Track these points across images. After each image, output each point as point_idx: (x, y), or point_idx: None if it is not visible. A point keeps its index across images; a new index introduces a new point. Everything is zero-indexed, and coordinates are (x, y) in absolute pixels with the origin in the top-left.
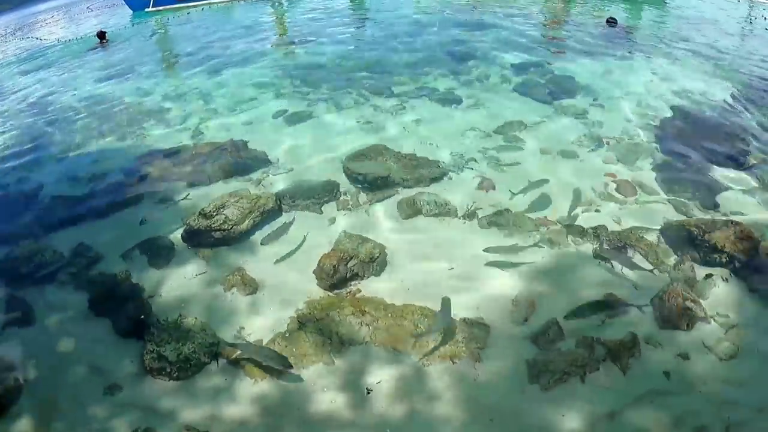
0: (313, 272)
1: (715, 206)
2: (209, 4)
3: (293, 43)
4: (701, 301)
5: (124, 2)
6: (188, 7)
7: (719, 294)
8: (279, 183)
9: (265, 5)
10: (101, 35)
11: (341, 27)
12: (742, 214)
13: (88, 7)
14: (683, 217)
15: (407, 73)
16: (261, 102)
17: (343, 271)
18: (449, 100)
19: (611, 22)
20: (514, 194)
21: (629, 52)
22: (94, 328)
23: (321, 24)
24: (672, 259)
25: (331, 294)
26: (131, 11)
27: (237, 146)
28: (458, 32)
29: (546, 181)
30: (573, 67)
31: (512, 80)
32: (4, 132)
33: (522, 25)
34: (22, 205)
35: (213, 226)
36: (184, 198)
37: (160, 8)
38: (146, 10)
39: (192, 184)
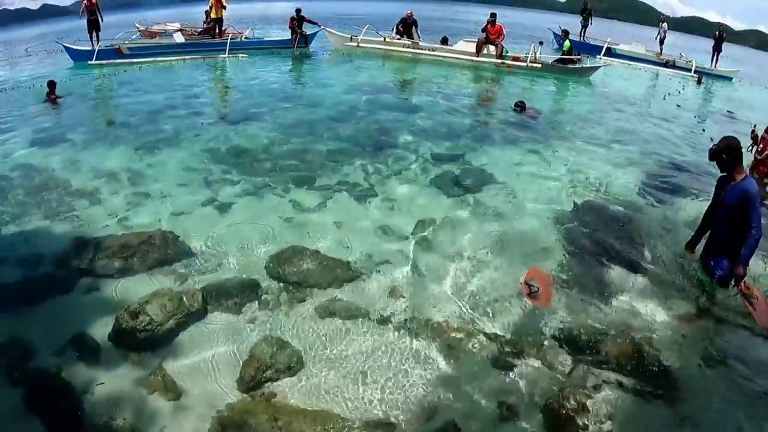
0: (235, 380)
1: (610, 311)
2: (153, 61)
3: (228, 121)
4: (590, 407)
5: (65, 51)
6: (131, 63)
7: (608, 399)
8: (204, 280)
9: (207, 69)
10: (52, 86)
11: (274, 103)
12: (634, 318)
13: (26, 50)
14: (579, 323)
15: (329, 163)
16: (190, 188)
17: (260, 377)
18: (367, 195)
19: (519, 106)
20: (419, 299)
21: (544, 141)
22: (27, 427)
23: (254, 99)
24: (566, 366)
25: (247, 398)
26: (72, 61)
27: (165, 238)
28: (385, 117)
29: (454, 284)
30: (489, 158)
31: (430, 173)
32: None
33: (447, 108)
34: None
35: (138, 326)
36: (112, 292)
37: (103, 62)
38: (89, 62)
39: (119, 277)
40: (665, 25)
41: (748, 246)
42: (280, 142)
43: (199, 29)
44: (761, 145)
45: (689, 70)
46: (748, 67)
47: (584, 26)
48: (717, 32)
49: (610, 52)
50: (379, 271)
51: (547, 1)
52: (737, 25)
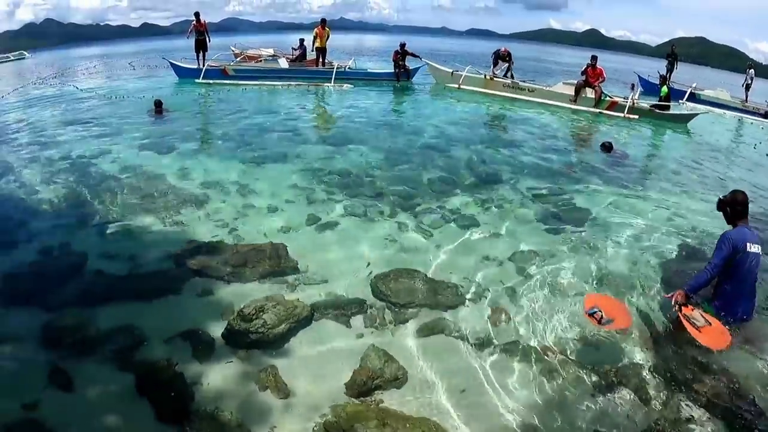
0: (344, 384)
1: (709, 351)
2: (258, 84)
3: (332, 143)
4: None
5: (171, 68)
6: (237, 84)
7: None
8: (312, 292)
9: (311, 95)
10: (158, 105)
11: (376, 130)
12: (734, 361)
13: (130, 63)
14: (676, 358)
15: (431, 191)
16: (296, 205)
17: (371, 384)
18: (468, 224)
19: (606, 147)
20: (519, 325)
21: (638, 183)
22: (135, 408)
23: (357, 125)
24: (660, 399)
25: (357, 402)
26: (178, 78)
27: (276, 250)
28: (483, 150)
29: (551, 313)
30: (584, 197)
31: (528, 206)
32: (48, 184)
33: (544, 147)
34: (67, 275)
35: (251, 328)
36: (224, 295)
37: (210, 81)
38: (195, 80)
39: (231, 282)
40: (752, 71)
41: (697, 278)
42: (382, 167)
43: (290, 56)
44: None
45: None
46: None
47: (669, 71)
48: None
49: (694, 98)
50: (480, 297)
51: (637, 45)
52: None
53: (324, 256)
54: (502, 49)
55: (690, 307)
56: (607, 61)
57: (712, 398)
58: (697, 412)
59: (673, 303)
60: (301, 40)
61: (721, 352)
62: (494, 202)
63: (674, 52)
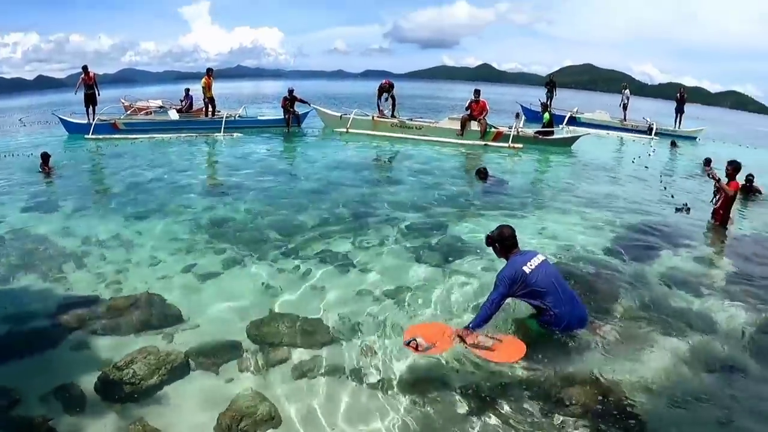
0: (213, 428)
1: (579, 363)
2: (149, 137)
3: (216, 193)
4: None
5: (61, 124)
6: (127, 138)
7: None
8: (187, 340)
9: (200, 146)
10: (45, 158)
11: (263, 178)
12: (602, 367)
13: (20, 120)
14: (547, 373)
15: (311, 234)
16: (176, 257)
17: (236, 427)
18: (346, 264)
19: (481, 173)
20: (391, 358)
21: (519, 209)
22: None
23: (244, 174)
24: (536, 415)
25: None
26: (67, 133)
27: (151, 301)
28: (366, 190)
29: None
30: (463, 228)
31: (406, 243)
32: None
33: (427, 182)
34: None
35: (124, 380)
36: (99, 349)
37: (99, 136)
38: (85, 136)
39: (107, 335)
40: (627, 91)
41: (478, 316)
42: (264, 214)
43: (178, 106)
44: (718, 195)
45: (650, 132)
46: (722, 126)
47: (549, 98)
48: (678, 94)
49: (574, 121)
50: (354, 334)
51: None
52: (715, 87)
53: (201, 304)
54: (384, 81)
55: (475, 334)
56: (499, 93)
57: (583, 406)
58: (569, 421)
59: (455, 338)
60: (187, 90)
61: (584, 360)
62: (372, 241)
63: (552, 81)
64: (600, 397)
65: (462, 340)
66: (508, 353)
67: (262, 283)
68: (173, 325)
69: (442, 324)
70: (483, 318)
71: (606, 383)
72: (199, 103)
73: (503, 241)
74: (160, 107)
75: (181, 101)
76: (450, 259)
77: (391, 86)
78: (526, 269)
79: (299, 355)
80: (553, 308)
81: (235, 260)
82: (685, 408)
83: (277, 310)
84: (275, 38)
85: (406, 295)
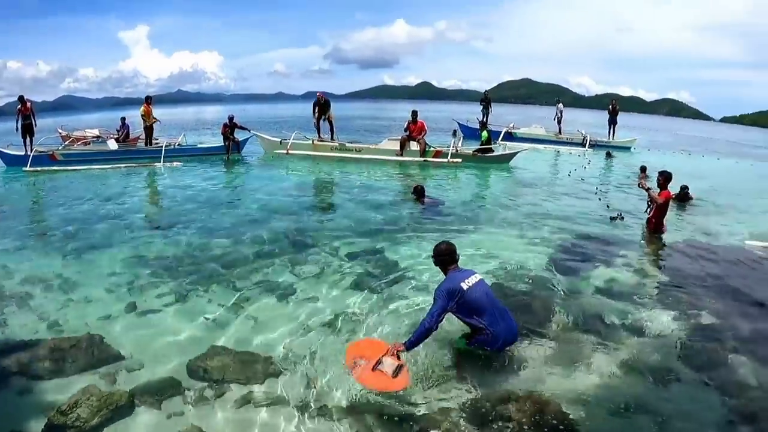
0: None
1: (515, 379)
2: (87, 169)
3: (156, 226)
4: None
5: None
6: (66, 170)
7: None
8: (130, 379)
9: (141, 176)
10: None
11: (202, 209)
12: (539, 383)
13: None
14: (485, 392)
15: (251, 265)
16: (117, 293)
17: None
18: (286, 294)
19: (416, 192)
20: (333, 387)
21: (457, 228)
22: None
23: (183, 205)
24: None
25: None
26: (5, 166)
27: (93, 341)
28: (306, 217)
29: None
30: (401, 250)
31: (346, 269)
32: None
33: (366, 205)
34: None
35: (68, 423)
36: (43, 393)
37: (38, 169)
38: (23, 169)
39: (50, 378)
40: (560, 105)
41: (417, 332)
42: (204, 246)
43: (115, 135)
44: (651, 205)
45: (584, 145)
46: (657, 134)
47: (485, 115)
48: (610, 106)
49: (511, 137)
50: (295, 364)
51: (468, 93)
52: (651, 96)
53: (143, 341)
54: (318, 94)
55: (399, 349)
56: (439, 110)
57: (520, 422)
58: None
59: (392, 354)
60: (123, 119)
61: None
62: (312, 269)
63: (487, 97)
64: (537, 412)
65: (397, 356)
66: (393, 383)
67: (204, 317)
68: (116, 364)
69: (378, 341)
70: (422, 333)
71: (543, 398)
72: (136, 131)
73: (439, 256)
74: (97, 137)
75: (118, 130)
76: (388, 283)
77: (327, 103)
78: (464, 285)
79: (241, 388)
80: (489, 327)
81: (176, 295)
82: (622, 417)
83: (218, 343)
84: (215, 62)
85: (346, 322)
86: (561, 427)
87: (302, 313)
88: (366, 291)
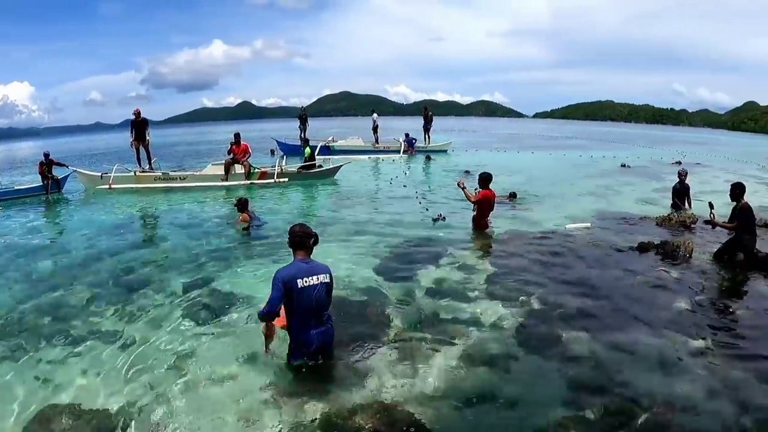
0: None
1: (359, 389)
2: None
3: None
4: None
5: None
6: None
7: None
8: None
9: None
10: None
11: (21, 259)
12: (386, 391)
13: None
14: (332, 405)
15: (82, 314)
16: None
17: None
18: (117, 340)
19: (241, 202)
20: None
21: (284, 246)
22: None
23: (1, 255)
24: None
25: None
26: None
27: None
28: (131, 254)
29: (204, 412)
30: (229, 277)
31: (178, 305)
32: None
33: (194, 234)
34: None
35: None
36: None
37: None
38: None
39: None
40: (375, 115)
41: (259, 312)
42: (27, 300)
43: None
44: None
45: (402, 152)
46: (474, 135)
47: (303, 130)
48: (423, 113)
49: (328, 150)
50: (135, 413)
51: (288, 110)
52: (466, 99)
53: None
54: (135, 110)
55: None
56: (260, 129)
57: (371, 430)
58: None
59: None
60: None
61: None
62: (145, 308)
63: (304, 113)
64: (387, 419)
65: None
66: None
67: (36, 377)
68: None
69: None
70: (262, 314)
71: (390, 404)
72: None
73: (290, 236)
74: None
75: None
76: (219, 313)
77: (145, 121)
78: (299, 283)
79: None
80: (304, 333)
81: (2, 358)
82: (470, 408)
83: (52, 402)
84: (26, 93)
85: (184, 360)
86: (412, 429)
87: (136, 359)
88: (198, 325)
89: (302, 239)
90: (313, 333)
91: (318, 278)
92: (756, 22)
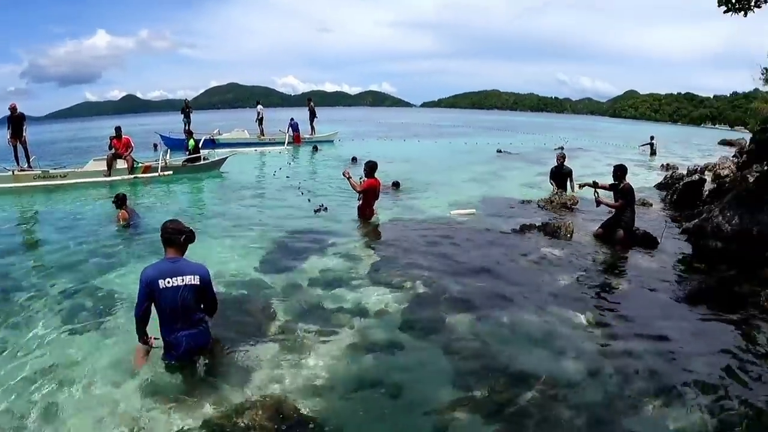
0: None
1: (250, 385)
2: None
3: None
4: None
5: None
6: None
7: None
8: None
9: None
10: None
11: None
12: (273, 385)
13: None
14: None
15: None
16: None
17: None
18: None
19: (120, 198)
20: None
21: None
22: None
23: None
24: None
25: None
26: None
27: None
28: (9, 259)
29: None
30: (112, 277)
31: (54, 310)
32: None
33: (74, 236)
34: None
35: None
36: None
37: None
38: None
39: None
40: (260, 107)
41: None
42: None
43: None
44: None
45: (286, 143)
46: (361, 124)
47: (187, 123)
48: (308, 105)
49: (213, 143)
50: (6, 425)
51: (174, 102)
52: (354, 90)
53: None
54: (11, 104)
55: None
56: (144, 123)
57: (261, 427)
58: None
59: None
60: None
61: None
62: (23, 320)
63: (188, 106)
64: (275, 414)
65: None
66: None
67: None
68: None
69: None
70: (135, 317)
71: (277, 398)
72: None
73: (161, 233)
74: None
75: None
76: (105, 316)
77: (22, 116)
78: (161, 284)
79: None
80: (172, 334)
81: None
82: (359, 396)
83: None
84: None
85: (71, 369)
86: (301, 421)
87: (21, 373)
88: (85, 332)
89: (171, 236)
90: (181, 335)
91: (183, 279)
92: (637, 16)
